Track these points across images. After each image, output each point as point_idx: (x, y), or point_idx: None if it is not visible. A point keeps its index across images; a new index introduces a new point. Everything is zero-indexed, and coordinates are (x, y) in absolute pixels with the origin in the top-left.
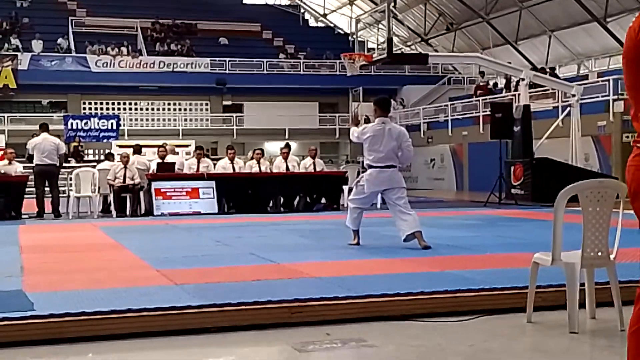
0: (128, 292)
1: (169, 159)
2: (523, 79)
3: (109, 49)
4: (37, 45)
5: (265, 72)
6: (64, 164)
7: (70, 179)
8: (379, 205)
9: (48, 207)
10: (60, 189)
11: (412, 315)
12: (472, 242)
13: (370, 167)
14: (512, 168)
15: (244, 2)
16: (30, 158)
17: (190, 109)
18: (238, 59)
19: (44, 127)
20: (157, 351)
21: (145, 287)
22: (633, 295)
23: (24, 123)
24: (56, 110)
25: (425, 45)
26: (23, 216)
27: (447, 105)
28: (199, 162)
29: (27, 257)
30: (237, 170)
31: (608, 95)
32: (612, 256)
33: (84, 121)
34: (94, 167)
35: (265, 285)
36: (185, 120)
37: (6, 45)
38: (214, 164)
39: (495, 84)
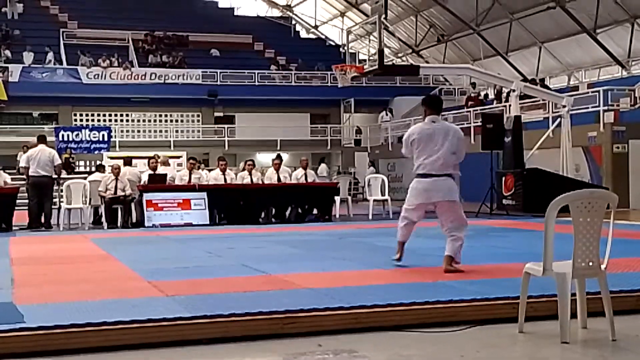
0: (119, 303)
1: (161, 170)
2: (514, 90)
3: (100, 60)
4: (28, 57)
5: (256, 83)
6: (61, 176)
7: (61, 191)
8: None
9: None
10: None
11: (403, 325)
12: (464, 252)
13: (418, 175)
14: (503, 178)
15: (235, 14)
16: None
17: (182, 121)
18: (229, 70)
19: (41, 139)
20: None
21: (136, 298)
22: (624, 305)
23: (14, 135)
24: (47, 122)
25: (416, 56)
26: (14, 228)
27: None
28: (190, 174)
29: (18, 269)
30: (228, 181)
31: (598, 106)
32: (603, 266)
33: (75, 133)
34: (85, 178)
35: (257, 296)
36: (177, 131)
37: None
38: (206, 175)
39: (486, 95)
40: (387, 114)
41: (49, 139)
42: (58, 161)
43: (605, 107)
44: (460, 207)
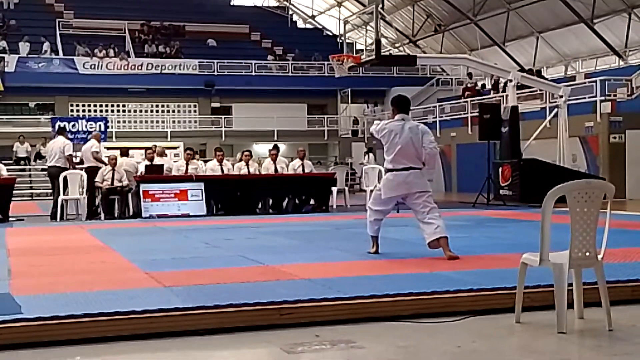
0: (116, 294)
1: (157, 161)
2: (511, 80)
3: (96, 50)
4: (24, 47)
5: (253, 73)
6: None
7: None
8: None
9: (34, 210)
10: (48, 191)
11: (400, 316)
12: (461, 243)
13: (387, 170)
14: (500, 169)
15: (232, 3)
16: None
17: (179, 111)
18: (226, 60)
19: (59, 131)
20: (146, 354)
21: (134, 289)
22: (621, 295)
23: (11, 126)
24: (44, 112)
25: (414, 46)
26: (10, 219)
27: (435, 107)
28: (187, 164)
29: (15, 260)
30: (225, 172)
31: (595, 96)
32: (599, 256)
33: (72, 123)
34: (81, 169)
35: (254, 286)
36: (174, 122)
37: None
38: (204, 167)
39: (483, 85)
40: (368, 107)
41: (45, 129)
42: (69, 152)
43: (602, 97)
44: (431, 196)
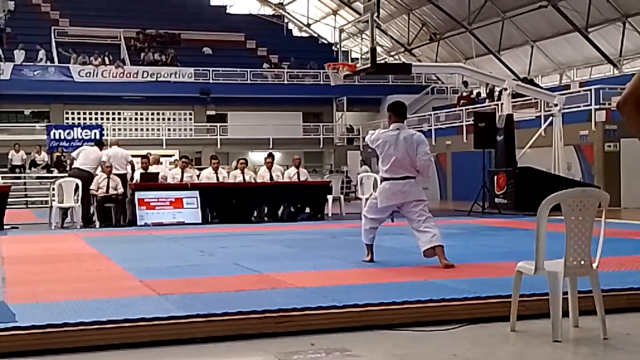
0: (111, 302)
1: (153, 169)
2: (506, 89)
3: (92, 58)
4: (19, 55)
5: (249, 81)
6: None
7: (53, 189)
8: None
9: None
10: (43, 199)
11: (396, 324)
12: (456, 251)
13: (383, 179)
14: (495, 177)
15: (227, 12)
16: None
17: (174, 119)
18: (222, 68)
19: (97, 143)
20: None
21: (129, 297)
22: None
23: (6, 133)
24: (39, 120)
25: (409, 55)
26: (5, 227)
27: (430, 115)
28: (183, 172)
29: (9, 268)
30: (221, 180)
31: (590, 105)
32: (594, 265)
33: (67, 131)
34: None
35: (250, 295)
36: (169, 130)
37: None
38: (198, 174)
39: (478, 94)
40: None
41: (40, 137)
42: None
43: (597, 106)
44: (427, 206)
